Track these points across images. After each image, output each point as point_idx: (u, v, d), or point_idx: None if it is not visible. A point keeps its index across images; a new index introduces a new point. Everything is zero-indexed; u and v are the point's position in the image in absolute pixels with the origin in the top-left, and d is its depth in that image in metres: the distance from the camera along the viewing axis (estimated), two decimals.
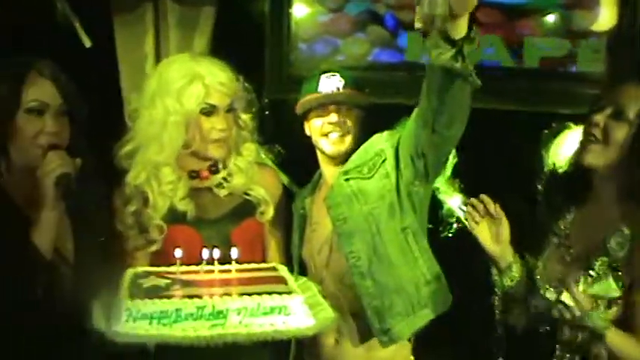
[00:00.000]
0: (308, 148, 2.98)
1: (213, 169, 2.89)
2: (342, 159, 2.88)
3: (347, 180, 2.81)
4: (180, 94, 2.76)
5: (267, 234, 2.99)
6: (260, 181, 2.94)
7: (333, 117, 2.85)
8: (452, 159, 2.95)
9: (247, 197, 2.91)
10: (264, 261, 2.89)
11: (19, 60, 2.64)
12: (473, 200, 2.70)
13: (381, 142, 2.86)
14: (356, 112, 2.90)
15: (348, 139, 2.87)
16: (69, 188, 2.52)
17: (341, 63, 3.83)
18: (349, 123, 2.87)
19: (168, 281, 2.44)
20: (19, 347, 2.46)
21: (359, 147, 2.88)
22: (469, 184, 2.99)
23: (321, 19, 3.91)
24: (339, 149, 2.87)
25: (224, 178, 2.90)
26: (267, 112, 3.11)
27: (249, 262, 2.69)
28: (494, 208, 2.64)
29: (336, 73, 2.91)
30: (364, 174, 2.81)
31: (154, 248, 2.82)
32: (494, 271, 2.70)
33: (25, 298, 2.43)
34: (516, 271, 2.65)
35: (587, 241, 2.49)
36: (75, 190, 2.52)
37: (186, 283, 2.43)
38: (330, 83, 2.89)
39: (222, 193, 2.89)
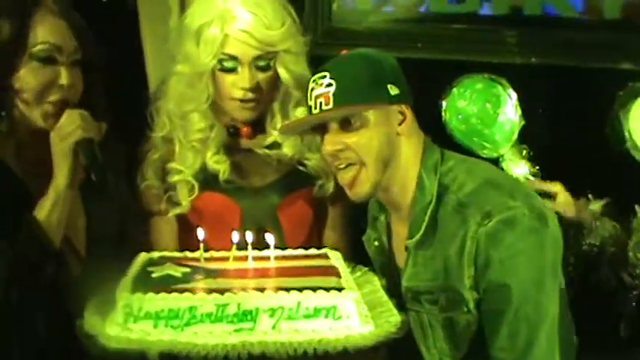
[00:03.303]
0: None
1: (258, 127, 2.41)
2: None
3: None
4: (198, 39, 2.30)
5: (326, 210, 2.48)
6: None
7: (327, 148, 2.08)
8: (519, 122, 2.55)
9: (301, 168, 2.42)
10: (317, 245, 2.33)
11: None
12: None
13: None
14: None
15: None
16: (93, 159, 2.02)
17: (389, 15, 3.30)
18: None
19: (186, 270, 1.93)
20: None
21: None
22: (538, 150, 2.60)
23: None
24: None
25: (275, 143, 2.41)
26: None
27: (294, 246, 2.21)
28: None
29: (326, 73, 2.05)
30: None
31: (178, 211, 2.37)
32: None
33: (22, 296, 1.95)
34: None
35: None
36: (101, 162, 2.03)
37: (211, 273, 1.92)
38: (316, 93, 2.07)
39: (270, 159, 2.41)
